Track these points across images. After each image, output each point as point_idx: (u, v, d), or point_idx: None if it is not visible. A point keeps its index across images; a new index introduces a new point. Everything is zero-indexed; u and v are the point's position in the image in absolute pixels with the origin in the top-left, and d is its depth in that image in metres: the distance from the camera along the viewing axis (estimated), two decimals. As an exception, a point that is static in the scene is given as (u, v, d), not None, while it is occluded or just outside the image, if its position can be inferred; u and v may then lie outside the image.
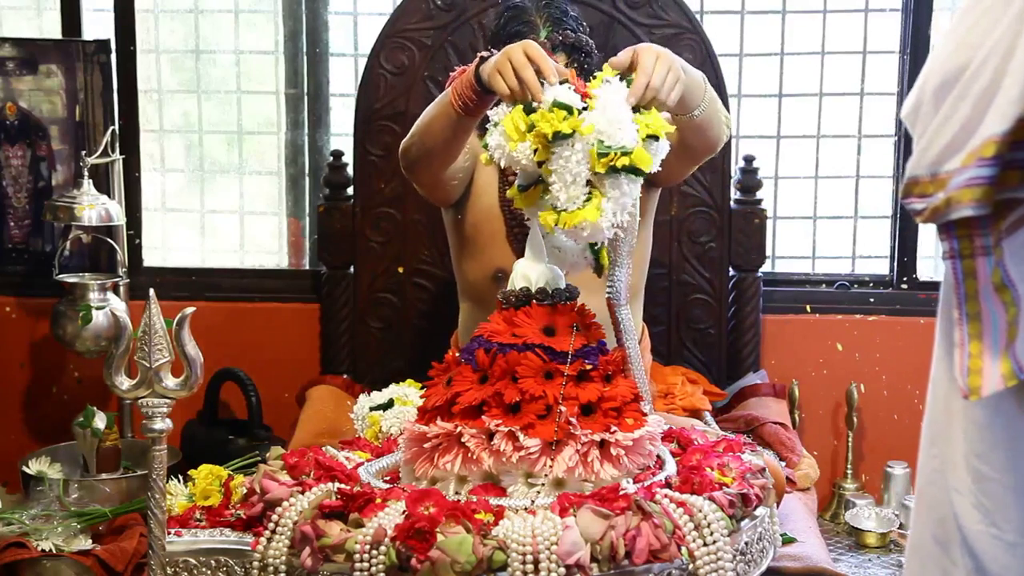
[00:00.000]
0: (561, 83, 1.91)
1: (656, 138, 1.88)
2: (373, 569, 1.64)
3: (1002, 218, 1.22)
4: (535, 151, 1.86)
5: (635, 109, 1.90)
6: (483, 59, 2.07)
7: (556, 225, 1.85)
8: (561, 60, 2.32)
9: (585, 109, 1.89)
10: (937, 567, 1.36)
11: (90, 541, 2.48)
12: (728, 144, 2.95)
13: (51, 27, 3.34)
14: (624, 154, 1.82)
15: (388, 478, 1.96)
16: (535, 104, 1.89)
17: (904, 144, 3.18)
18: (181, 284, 3.29)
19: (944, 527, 1.35)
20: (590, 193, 1.84)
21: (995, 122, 1.18)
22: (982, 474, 1.30)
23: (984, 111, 1.20)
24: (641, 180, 1.87)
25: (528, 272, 1.94)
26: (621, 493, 1.69)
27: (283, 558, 1.71)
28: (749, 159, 3.07)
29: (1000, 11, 1.21)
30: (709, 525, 1.70)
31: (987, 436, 1.29)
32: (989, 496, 1.30)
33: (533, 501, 1.73)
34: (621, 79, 1.92)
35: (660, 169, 1.92)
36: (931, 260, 3.28)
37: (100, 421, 2.82)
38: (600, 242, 1.99)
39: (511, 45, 2.00)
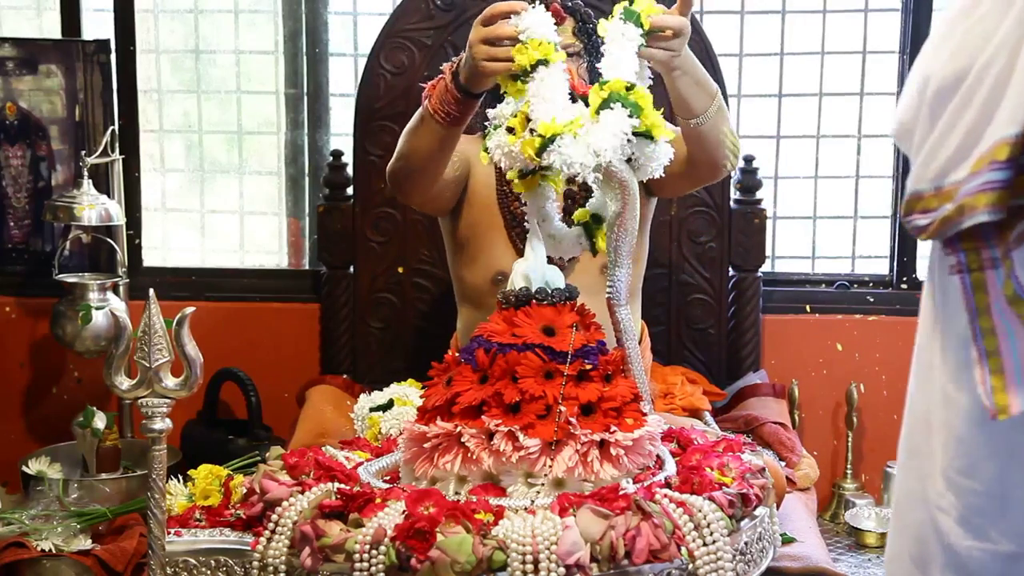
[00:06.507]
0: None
1: (651, 137, 1.88)
2: (373, 569, 1.64)
3: (1010, 228, 1.17)
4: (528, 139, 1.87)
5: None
6: (454, 71, 2.12)
7: (536, 152, 1.82)
8: (570, 24, 2.37)
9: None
10: None
11: (90, 541, 2.48)
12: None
13: (51, 27, 3.34)
14: (628, 89, 1.84)
15: (388, 478, 1.96)
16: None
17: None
18: (181, 284, 3.29)
19: (922, 547, 1.30)
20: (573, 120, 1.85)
21: (1005, 125, 1.15)
22: (966, 489, 1.25)
23: (990, 116, 1.16)
24: (635, 120, 1.84)
25: (528, 272, 1.94)
26: (621, 493, 1.69)
27: (283, 558, 1.71)
28: (749, 159, 3.06)
29: (998, 16, 1.18)
30: (709, 525, 1.70)
31: (970, 450, 1.25)
32: (977, 510, 1.25)
33: (533, 501, 1.72)
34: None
35: (662, 176, 1.93)
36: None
37: (100, 421, 2.83)
38: (595, 219, 2.01)
39: (471, 34, 2.05)
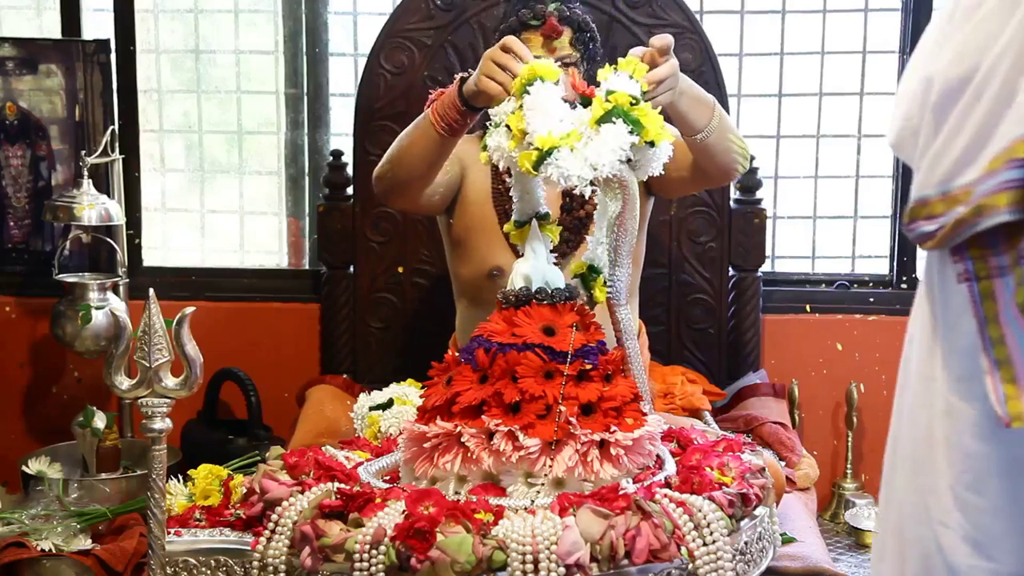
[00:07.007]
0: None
1: (651, 144, 1.87)
2: (373, 569, 1.64)
3: (1021, 234, 1.14)
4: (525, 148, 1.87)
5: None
6: (463, 79, 2.13)
7: (534, 165, 1.81)
8: (567, 35, 2.37)
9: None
10: None
11: (90, 541, 2.48)
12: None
13: (51, 27, 3.34)
14: (633, 104, 1.83)
15: (388, 478, 1.96)
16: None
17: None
18: (181, 284, 3.29)
19: (927, 564, 1.26)
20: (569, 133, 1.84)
21: (1020, 123, 1.12)
22: (972, 505, 1.22)
23: (999, 117, 1.14)
24: (634, 137, 1.83)
25: (527, 271, 1.94)
26: (621, 493, 1.69)
27: (283, 558, 1.71)
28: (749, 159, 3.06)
29: (1003, 16, 1.16)
30: (709, 525, 1.70)
31: (978, 465, 1.22)
32: (981, 528, 1.22)
33: (533, 501, 1.73)
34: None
35: (662, 175, 1.92)
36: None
37: (100, 421, 2.82)
38: (592, 267, 2.00)
39: (489, 50, 2.07)
